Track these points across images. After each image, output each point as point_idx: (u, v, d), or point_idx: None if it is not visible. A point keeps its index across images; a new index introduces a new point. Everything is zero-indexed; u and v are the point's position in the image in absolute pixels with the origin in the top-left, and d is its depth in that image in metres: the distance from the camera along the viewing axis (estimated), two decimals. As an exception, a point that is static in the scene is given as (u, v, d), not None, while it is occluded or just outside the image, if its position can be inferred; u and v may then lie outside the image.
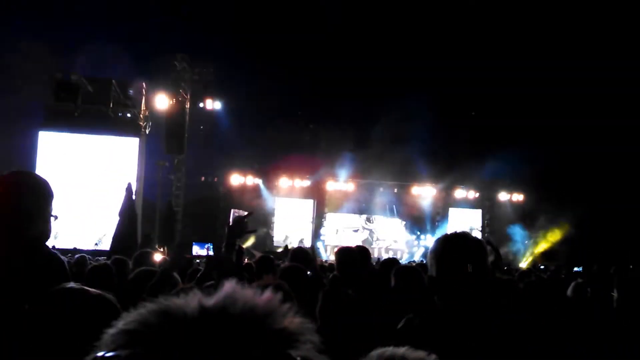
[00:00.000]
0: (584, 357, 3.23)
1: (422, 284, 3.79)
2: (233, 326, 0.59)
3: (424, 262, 17.21)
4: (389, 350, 1.10)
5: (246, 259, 8.79)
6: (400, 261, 6.17)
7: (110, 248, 15.14)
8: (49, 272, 1.91)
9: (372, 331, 3.03)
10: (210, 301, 0.62)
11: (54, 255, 2.23)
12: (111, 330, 0.62)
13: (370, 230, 30.94)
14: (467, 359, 1.95)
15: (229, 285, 0.64)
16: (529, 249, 30.67)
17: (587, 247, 23.34)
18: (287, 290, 2.77)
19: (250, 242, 27.57)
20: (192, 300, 0.62)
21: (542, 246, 29.89)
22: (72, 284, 1.71)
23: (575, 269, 15.13)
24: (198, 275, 3.82)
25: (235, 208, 26.84)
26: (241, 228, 3.15)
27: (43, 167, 23.41)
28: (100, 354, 0.60)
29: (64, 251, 12.42)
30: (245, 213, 3.63)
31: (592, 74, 27.76)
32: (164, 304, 0.63)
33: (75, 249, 17.65)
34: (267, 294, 0.64)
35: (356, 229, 30.78)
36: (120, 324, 0.62)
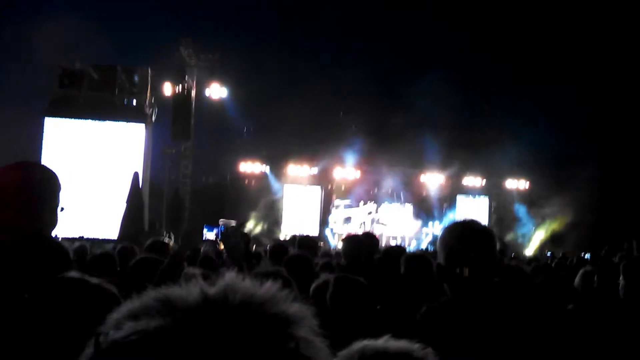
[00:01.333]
0: (591, 345, 3.21)
1: (431, 272, 3.78)
2: (234, 312, 0.62)
3: (431, 249, 17.22)
4: (367, 343, 1.10)
5: (254, 247, 8.83)
6: (407, 249, 6.17)
7: (118, 236, 15.22)
8: (52, 261, 1.91)
9: (383, 318, 3.03)
10: (212, 290, 0.65)
11: (57, 244, 2.23)
12: (114, 315, 0.65)
13: (378, 218, 30.96)
14: (482, 347, 1.95)
15: (229, 276, 0.68)
16: (536, 236, 30.66)
17: (595, 232, 23.26)
18: (285, 277, 2.79)
19: (258, 229, 27.68)
20: (194, 288, 0.65)
21: (549, 232, 29.86)
22: (72, 273, 1.70)
23: (584, 255, 15.08)
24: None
25: (239, 198, 26.94)
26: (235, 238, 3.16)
27: (48, 154, 23.49)
28: (103, 334, 0.63)
29: (71, 240, 12.46)
30: (233, 223, 3.64)
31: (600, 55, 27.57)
32: (165, 291, 0.66)
33: (81, 237, 17.72)
34: (267, 282, 0.68)
35: (364, 216, 30.81)
36: (122, 309, 0.65)
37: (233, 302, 0.63)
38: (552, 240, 28.97)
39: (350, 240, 4.67)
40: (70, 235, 17.23)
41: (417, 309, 2.24)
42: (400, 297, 3.40)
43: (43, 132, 24.91)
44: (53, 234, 2.42)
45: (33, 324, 1.54)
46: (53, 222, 2.26)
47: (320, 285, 3.28)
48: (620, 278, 3.56)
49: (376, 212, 30.81)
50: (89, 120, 25.13)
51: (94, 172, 24.47)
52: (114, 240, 14.90)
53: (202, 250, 6.25)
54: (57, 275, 1.67)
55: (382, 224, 30.45)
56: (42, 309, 1.56)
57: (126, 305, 0.65)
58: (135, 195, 19.55)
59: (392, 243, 25.25)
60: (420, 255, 4.23)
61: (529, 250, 28.60)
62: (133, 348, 0.60)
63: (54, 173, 2.33)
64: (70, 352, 0.66)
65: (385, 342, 1.09)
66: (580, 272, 4.76)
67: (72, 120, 25.08)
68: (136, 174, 22.61)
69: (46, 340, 1.49)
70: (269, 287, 0.67)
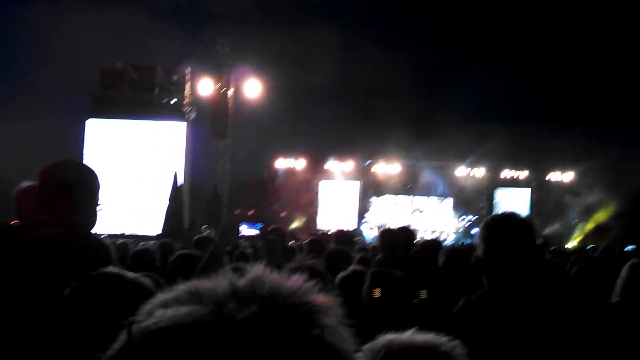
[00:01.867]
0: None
1: (469, 265, 3.75)
2: (261, 301, 0.65)
3: (469, 243, 17.04)
4: (392, 336, 1.10)
5: (291, 242, 8.89)
6: (446, 242, 6.12)
7: (160, 233, 15.52)
8: (92, 258, 1.96)
9: (419, 312, 3.02)
10: (240, 281, 0.68)
11: (98, 241, 2.28)
12: (146, 306, 0.68)
13: (416, 212, 30.78)
14: (519, 341, 1.94)
15: (258, 268, 0.70)
16: (579, 228, 30.03)
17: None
18: (319, 270, 2.81)
19: (295, 224, 27.80)
20: (223, 280, 0.68)
21: (592, 224, 29.21)
22: (109, 269, 1.74)
23: (629, 247, 14.69)
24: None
25: (277, 194, 27.07)
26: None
27: (91, 154, 24.00)
28: (135, 322, 0.65)
29: (114, 237, 12.75)
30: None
31: None
32: (195, 283, 0.68)
33: (123, 234, 18.10)
34: (294, 276, 0.70)
35: (402, 210, 30.65)
36: (154, 300, 0.68)
37: (261, 292, 0.66)
38: (596, 233, 28.33)
39: (386, 234, 4.66)
40: (113, 232, 17.61)
41: (455, 302, 2.23)
42: (437, 291, 3.39)
43: (84, 132, 25.46)
44: (96, 231, 2.47)
45: (70, 318, 1.58)
46: (93, 220, 2.32)
47: (348, 275, 3.28)
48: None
49: (413, 204, 30.64)
50: (129, 120, 25.58)
51: (135, 171, 24.92)
52: (155, 237, 15.17)
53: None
54: (95, 271, 1.71)
55: (422, 218, 30.26)
56: (79, 304, 1.60)
57: (158, 297, 0.68)
58: (175, 194, 19.87)
59: (430, 237, 25.07)
60: (459, 249, 4.20)
61: (570, 244, 28.02)
62: (163, 333, 0.62)
63: (94, 172, 2.39)
64: (106, 345, 0.68)
65: (411, 335, 1.09)
66: (628, 263, 4.61)
67: (113, 120, 25.56)
68: (176, 173, 22.99)
69: (83, 333, 1.53)
70: (296, 279, 0.69)
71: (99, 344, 0.77)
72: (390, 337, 1.08)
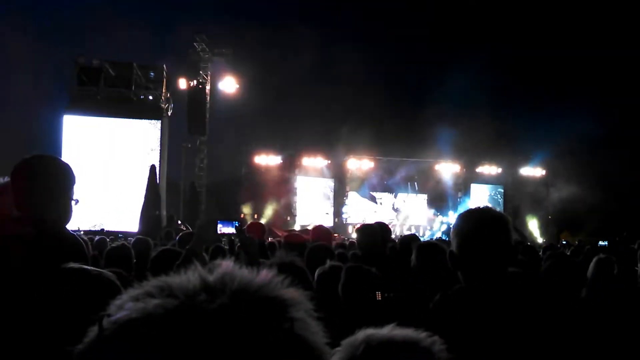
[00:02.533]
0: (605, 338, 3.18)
1: (444, 261, 3.75)
2: (231, 296, 0.65)
3: (446, 239, 17.13)
4: (372, 331, 1.08)
5: (269, 238, 8.87)
6: (421, 238, 6.15)
7: (138, 229, 15.39)
8: (65, 255, 1.94)
9: (395, 307, 3.04)
10: (210, 276, 0.68)
11: (73, 237, 2.25)
12: (117, 300, 0.68)
13: (392, 207, 30.93)
14: (496, 336, 1.95)
15: (227, 264, 0.71)
16: (551, 224, 30.42)
17: (614, 219, 22.95)
18: (299, 266, 2.80)
19: (272, 220, 27.74)
20: (193, 275, 0.69)
21: (565, 220, 29.58)
22: (72, 264, 1.73)
23: (601, 242, 14.92)
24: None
25: (254, 191, 26.95)
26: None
27: (68, 150, 23.71)
28: (106, 315, 0.66)
29: (93, 233, 12.63)
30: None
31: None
32: (165, 279, 0.69)
33: (102, 230, 17.94)
34: (264, 271, 0.71)
35: (378, 206, 30.78)
36: (125, 295, 0.68)
37: (231, 286, 0.67)
38: (569, 228, 28.72)
39: (364, 229, 4.67)
40: (91, 229, 17.43)
41: (429, 297, 2.22)
42: (412, 286, 3.39)
43: (62, 129, 25.15)
44: (74, 226, 2.45)
45: (34, 314, 1.58)
46: (68, 214, 2.29)
47: (326, 271, 3.28)
48: (639, 265, 3.50)
49: (389, 200, 30.81)
50: (107, 117, 25.30)
51: (113, 167, 24.68)
52: (134, 233, 15.07)
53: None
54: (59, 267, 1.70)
55: (397, 213, 30.43)
56: (44, 300, 1.59)
57: (129, 292, 0.69)
58: (151, 189, 19.70)
59: (406, 233, 25.22)
60: (433, 244, 4.21)
61: (542, 239, 28.37)
62: (134, 325, 0.63)
63: (67, 165, 2.35)
64: (71, 340, 0.69)
65: (390, 330, 1.08)
66: (595, 259, 4.67)
67: (90, 117, 25.27)
68: (153, 167, 22.79)
69: (46, 330, 1.53)
70: (266, 274, 0.70)
71: (67, 339, 0.77)
72: (369, 331, 1.08)
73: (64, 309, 1.54)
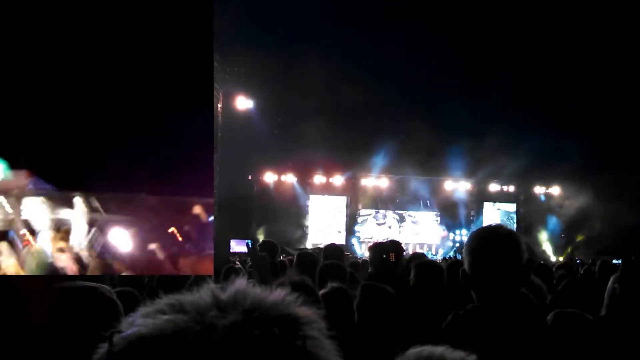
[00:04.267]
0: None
1: (442, 279, 3.71)
2: (243, 313, 0.65)
3: (458, 257, 16.97)
4: (427, 349, 1.08)
5: (281, 257, 8.84)
6: (435, 257, 6.10)
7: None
8: None
9: (412, 327, 3.01)
10: (223, 294, 0.68)
11: None
12: (130, 317, 0.68)
13: (405, 226, 30.79)
14: (510, 355, 1.93)
15: (240, 282, 0.71)
16: (566, 242, 30.15)
17: (630, 238, 22.61)
18: (309, 285, 2.79)
19: (284, 239, 27.68)
20: (205, 292, 0.69)
21: (580, 239, 29.32)
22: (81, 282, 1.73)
23: (615, 261, 14.74)
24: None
25: (266, 210, 26.92)
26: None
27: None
28: (116, 332, 0.66)
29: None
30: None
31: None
32: (177, 296, 0.69)
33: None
34: (277, 290, 0.71)
35: (390, 224, 30.65)
36: (137, 312, 0.68)
37: (243, 303, 0.67)
38: (582, 246, 28.44)
39: (376, 248, 4.65)
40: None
41: (431, 315, 2.20)
42: (413, 305, 3.36)
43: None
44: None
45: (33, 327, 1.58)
46: None
47: (327, 293, 3.24)
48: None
49: (401, 218, 30.68)
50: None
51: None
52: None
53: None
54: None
55: (410, 232, 30.26)
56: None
57: (141, 309, 0.69)
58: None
59: (419, 251, 25.09)
60: (431, 263, 4.18)
61: (556, 257, 28.10)
62: (144, 341, 0.63)
63: None
64: (77, 355, 0.69)
65: (443, 349, 1.08)
66: (612, 278, 4.59)
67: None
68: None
69: (41, 341, 1.53)
70: (279, 293, 0.70)
71: (68, 354, 0.77)
72: (419, 349, 1.07)
73: (65, 323, 1.55)
